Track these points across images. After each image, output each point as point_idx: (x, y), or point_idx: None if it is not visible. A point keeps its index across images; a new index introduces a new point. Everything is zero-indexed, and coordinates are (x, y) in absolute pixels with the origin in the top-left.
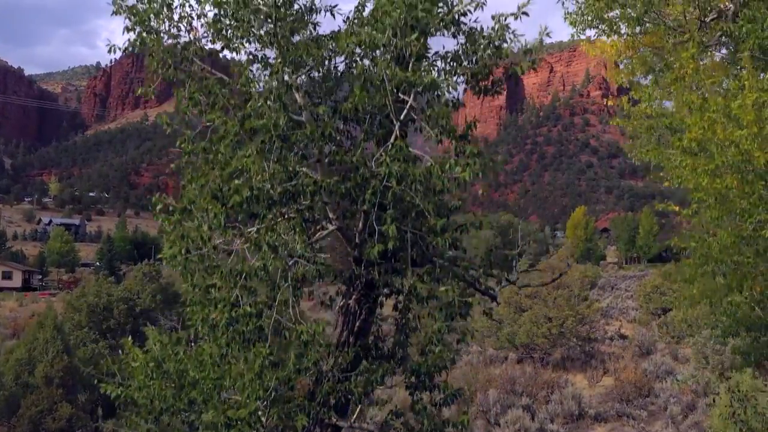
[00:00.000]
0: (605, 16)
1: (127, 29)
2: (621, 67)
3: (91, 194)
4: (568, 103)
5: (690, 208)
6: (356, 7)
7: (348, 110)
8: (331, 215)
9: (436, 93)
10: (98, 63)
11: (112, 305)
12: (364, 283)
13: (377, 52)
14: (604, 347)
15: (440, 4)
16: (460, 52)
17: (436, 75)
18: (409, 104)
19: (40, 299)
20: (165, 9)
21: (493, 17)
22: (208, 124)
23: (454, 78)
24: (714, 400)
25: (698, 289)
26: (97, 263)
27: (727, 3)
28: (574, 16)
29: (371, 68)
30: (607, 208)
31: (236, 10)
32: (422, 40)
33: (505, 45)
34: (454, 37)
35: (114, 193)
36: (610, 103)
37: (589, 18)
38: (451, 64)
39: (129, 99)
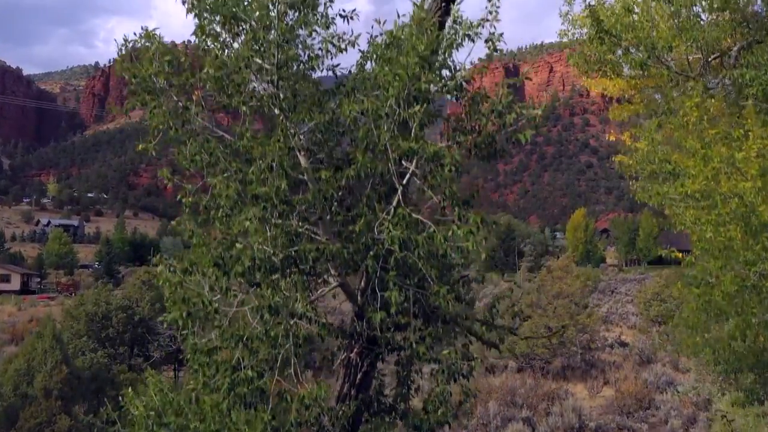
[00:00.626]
0: (609, 57)
1: (131, 92)
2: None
3: (89, 195)
4: (568, 103)
5: (692, 255)
6: (358, 65)
7: (351, 177)
8: (333, 272)
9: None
10: (97, 63)
11: (111, 314)
12: (366, 338)
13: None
14: (604, 355)
15: (444, 70)
16: (463, 115)
17: (440, 144)
18: (411, 170)
19: (39, 303)
20: (166, 66)
21: (496, 84)
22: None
23: (458, 148)
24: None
25: (701, 337)
26: (96, 264)
27: (729, 42)
28: (578, 57)
29: (374, 133)
30: (607, 208)
31: (236, 70)
32: (425, 106)
33: (508, 115)
34: (457, 99)
35: (113, 194)
36: (611, 138)
37: (593, 61)
38: (455, 133)
39: (127, 99)
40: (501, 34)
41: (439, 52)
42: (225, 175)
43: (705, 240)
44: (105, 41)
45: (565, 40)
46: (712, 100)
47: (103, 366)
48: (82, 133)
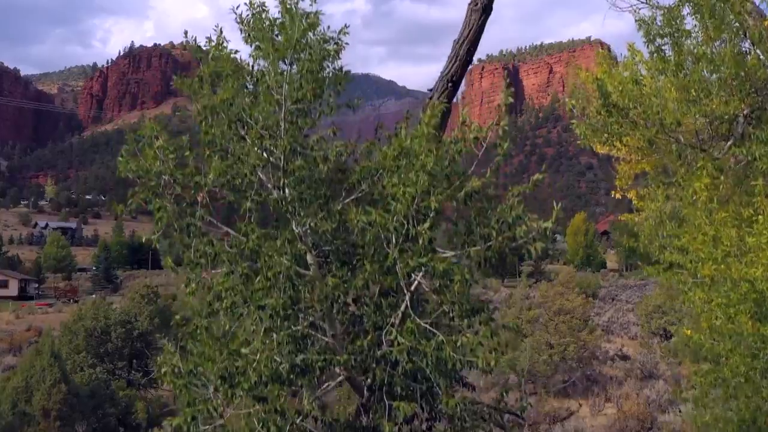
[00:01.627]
0: (615, 128)
1: (132, 194)
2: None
3: (87, 197)
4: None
5: (701, 335)
6: (365, 150)
7: (358, 287)
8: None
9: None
10: (95, 64)
11: (110, 329)
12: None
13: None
14: (606, 369)
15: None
16: (473, 226)
17: (450, 260)
18: (417, 281)
19: (37, 310)
20: (171, 164)
21: (503, 195)
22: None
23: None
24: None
25: (711, 416)
26: (94, 268)
27: (737, 108)
28: (584, 127)
29: (382, 244)
30: (608, 210)
31: (242, 176)
32: (434, 222)
33: (519, 228)
34: (466, 204)
35: (110, 196)
36: (617, 196)
37: (600, 131)
38: (464, 247)
39: (125, 100)
40: (508, 145)
41: (446, 160)
42: (229, 280)
43: (715, 329)
44: (102, 41)
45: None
46: (722, 177)
47: (101, 382)
48: (80, 134)
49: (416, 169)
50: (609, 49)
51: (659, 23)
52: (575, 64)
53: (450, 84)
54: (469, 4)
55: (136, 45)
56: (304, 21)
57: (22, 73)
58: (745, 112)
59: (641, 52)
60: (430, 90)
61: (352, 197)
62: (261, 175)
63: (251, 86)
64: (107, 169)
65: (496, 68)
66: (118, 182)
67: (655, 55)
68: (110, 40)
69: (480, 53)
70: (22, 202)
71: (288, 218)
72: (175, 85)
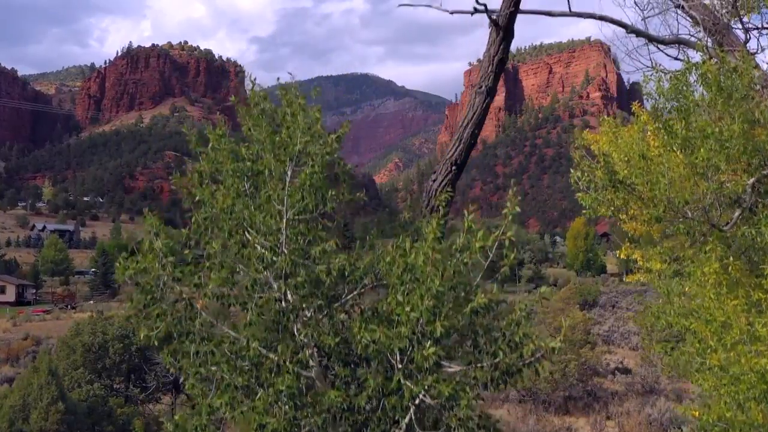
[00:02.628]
0: (621, 203)
1: (129, 298)
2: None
3: (85, 199)
4: (568, 105)
5: (710, 418)
6: (368, 245)
7: (361, 405)
8: None
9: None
10: (92, 64)
11: (108, 344)
12: None
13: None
14: (607, 383)
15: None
16: (480, 342)
17: (456, 386)
18: (424, 398)
19: (35, 317)
20: (171, 268)
21: (508, 318)
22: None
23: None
24: None
25: None
26: (92, 271)
27: (745, 186)
28: (590, 201)
29: (387, 363)
30: None
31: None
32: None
33: (525, 347)
34: (476, 315)
35: (108, 198)
36: (622, 256)
37: (606, 205)
38: (470, 364)
39: (123, 101)
40: (515, 256)
41: (452, 269)
42: (227, 395)
43: (725, 419)
44: (99, 40)
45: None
46: (731, 258)
47: (99, 399)
48: (78, 135)
49: (421, 291)
50: (608, 50)
51: (665, 85)
52: (581, 136)
53: (454, 167)
54: (474, 87)
55: (134, 44)
56: (303, 119)
57: (20, 73)
58: (752, 181)
59: (646, 114)
60: (434, 173)
61: (356, 292)
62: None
63: (252, 189)
64: (105, 171)
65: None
66: (116, 184)
67: (662, 130)
68: (107, 39)
69: (479, 53)
70: (19, 204)
71: (291, 322)
72: (174, 183)
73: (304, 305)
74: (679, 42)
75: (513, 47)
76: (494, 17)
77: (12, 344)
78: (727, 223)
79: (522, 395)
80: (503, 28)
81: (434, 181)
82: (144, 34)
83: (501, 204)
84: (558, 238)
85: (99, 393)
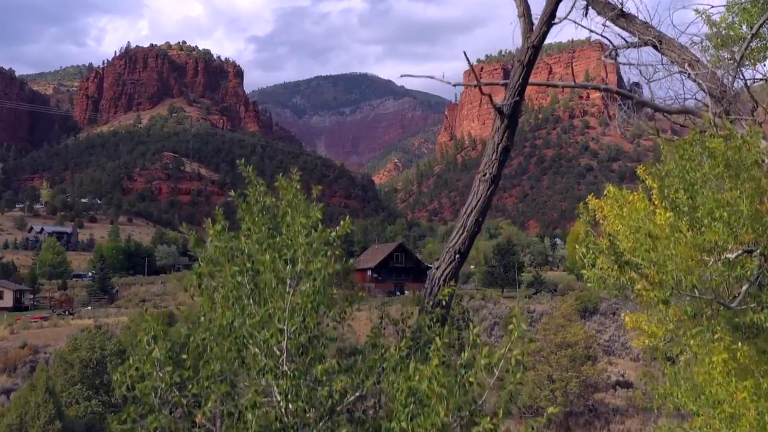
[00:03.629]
0: (629, 282)
1: (126, 411)
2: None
3: (83, 200)
4: (568, 105)
5: None
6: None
7: None
8: None
9: None
10: (90, 64)
11: (106, 360)
12: None
13: None
14: (608, 398)
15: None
16: None
17: None
18: None
19: (32, 324)
20: (170, 378)
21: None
22: None
23: None
24: None
25: None
26: (90, 274)
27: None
28: (596, 279)
29: None
30: None
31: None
32: None
33: None
34: None
35: (106, 200)
36: (628, 324)
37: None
38: None
39: (121, 101)
40: (521, 376)
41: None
42: None
43: None
44: (97, 39)
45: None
46: (740, 344)
47: (97, 415)
48: (76, 136)
49: (426, 425)
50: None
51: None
52: (586, 207)
53: (458, 256)
54: (477, 174)
55: (131, 44)
56: (303, 222)
57: (18, 73)
58: (757, 251)
59: (651, 180)
60: (437, 260)
61: (358, 394)
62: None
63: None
64: (103, 172)
65: (495, 69)
66: (114, 185)
67: (669, 209)
68: (105, 38)
69: (479, 53)
70: (17, 206)
71: None
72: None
73: (304, 423)
74: (685, 111)
75: (512, 47)
76: (499, 106)
77: (9, 353)
78: (735, 297)
79: (522, 412)
80: (508, 116)
81: (437, 269)
82: (141, 33)
83: (500, 205)
84: (558, 240)
85: (97, 410)
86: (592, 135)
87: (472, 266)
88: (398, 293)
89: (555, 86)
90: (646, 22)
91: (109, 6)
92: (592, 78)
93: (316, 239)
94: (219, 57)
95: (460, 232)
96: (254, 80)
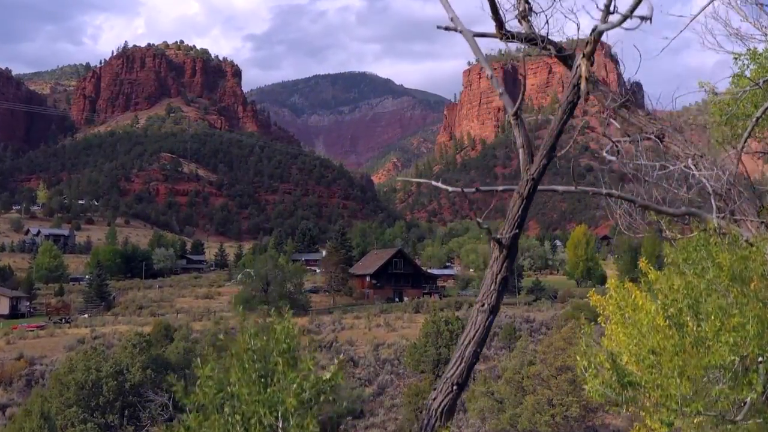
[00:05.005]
0: (632, 399)
1: None
2: None
3: (80, 202)
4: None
5: None
6: None
7: None
8: None
9: None
10: (88, 64)
11: (101, 381)
12: None
13: None
14: (608, 417)
15: None
16: None
17: None
18: None
19: (28, 333)
20: None
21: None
22: None
23: None
24: None
25: None
26: (87, 277)
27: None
28: (597, 391)
29: None
30: (608, 214)
31: None
32: None
33: None
34: None
35: (104, 202)
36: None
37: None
38: None
39: (119, 101)
40: None
41: None
42: None
43: None
44: (93, 38)
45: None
46: None
47: None
48: (73, 136)
49: None
50: (609, 49)
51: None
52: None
53: (455, 387)
54: (476, 304)
55: (127, 42)
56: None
57: (14, 72)
58: (761, 359)
59: (654, 274)
60: (434, 390)
61: None
62: None
63: None
64: (100, 173)
65: (495, 69)
66: (112, 186)
67: (673, 329)
68: (101, 37)
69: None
70: (14, 208)
71: None
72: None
73: None
74: (690, 214)
75: (512, 47)
76: (497, 238)
77: (5, 365)
78: (741, 407)
79: None
80: (506, 247)
81: (434, 399)
82: (138, 32)
83: (500, 206)
84: (558, 243)
85: None
86: (593, 135)
87: (471, 270)
88: (397, 300)
89: (555, 191)
90: (649, 114)
91: (105, 4)
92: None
93: (308, 390)
94: (217, 56)
95: (458, 363)
96: (252, 79)
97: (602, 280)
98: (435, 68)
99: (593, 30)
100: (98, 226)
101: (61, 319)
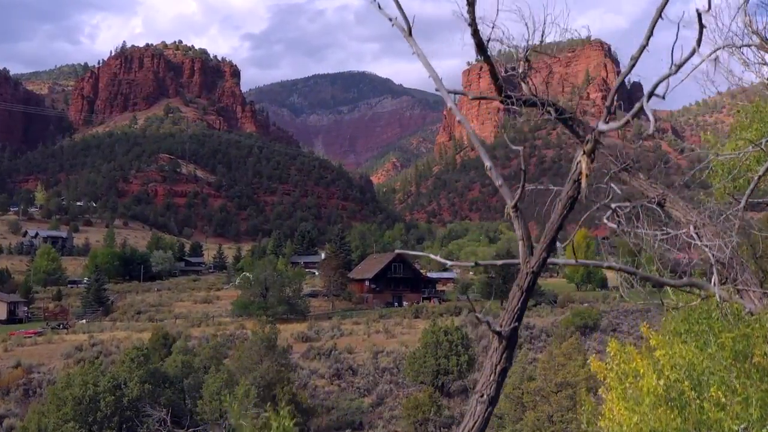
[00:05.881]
0: None
1: None
2: None
3: (78, 203)
4: (568, 105)
5: None
6: None
7: None
8: None
9: None
10: (86, 63)
11: (99, 396)
12: None
13: None
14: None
15: None
16: None
17: None
18: None
19: (26, 340)
20: None
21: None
22: None
23: None
24: None
25: None
26: (86, 280)
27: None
28: None
29: None
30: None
31: None
32: None
33: None
34: None
35: (102, 203)
36: None
37: None
38: None
39: (117, 101)
40: None
41: None
42: None
43: None
44: (90, 37)
45: None
46: None
47: None
48: (71, 136)
49: None
50: (609, 50)
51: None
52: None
53: None
54: (475, 394)
55: (125, 41)
56: None
57: (12, 71)
58: None
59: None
60: None
61: None
62: None
63: None
64: (98, 174)
65: None
66: (110, 187)
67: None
68: (98, 36)
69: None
70: (11, 209)
71: None
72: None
73: None
74: (691, 285)
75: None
76: (497, 330)
77: (2, 374)
78: None
79: None
80: (506, 339)
81: None
82: (135, 31)
83: (500, 206)
84: (558, 244)
85: None
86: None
87: (471, 273)
88: (396, 304)
89: (555, 263)
90: (650, 178)
91: (102, 3)
92: (593, 78)
93: None
94: (216, 56)
95: None
96: (250, 78)
97: (602, 283)
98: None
99: (594, 129)
100: (96, 227)
101: (59, 325)
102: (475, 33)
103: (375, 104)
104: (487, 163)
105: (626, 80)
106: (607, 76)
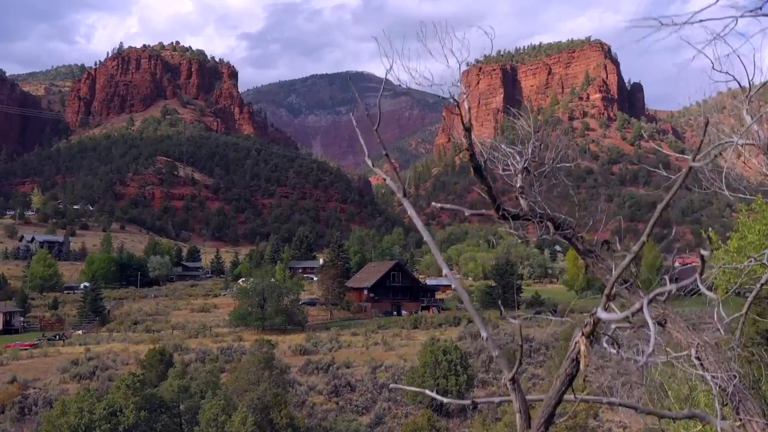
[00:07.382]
0: None
1: None
2: None
3: (75, 207)
4: (567, 107)
5: None
6: None
7: None
8: None
9: None
10: (83, 65)
11: (94, 424)
12: None
13: None
14: None
15: None
16: None
17: None
18: None
19: (21, 352)
20: None
21: None
22: None
23: None
24: None
25: None
26: (82, 286)
27: None
28: None
29: None
30: (608, 217)
31: None
32: None
33: None
34: None
35: (98, 206)
36: None
37: None
38: None
39: (114, 103)
40: None
41: None
42: None
43: None
44: (86, 36)
45: None
46: None
47: None
48: (68, 138)
49: None
50: (609, 50)
51: None
52: None
53: None
54: None
55: (121, 41)
56: None
57: (9, 72)
58: None
59: None
60: None
61: None
62: None
63: None
64: (95, 176)
65: (494, 69)
66: (107, 190)
67: None
68: (94, 36)
69: (477, 54)
70: (8, 213)
71: None
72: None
73: None
74: (693, 416)
75: (511, 47)
76: None
77: None
78: None
79: None
80: None
81: None
82: (131, 31)
83: None
84: (558, 248)
85: None
86: (593, 137)
87: (470, 278)
88: (395, 313)
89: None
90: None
91: (97, 2)
92: (593, 79)
93: None
94: (213, 58)
95: None
96: (247, 78)
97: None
98: (432, 67)
99: (592, 314)
100: (93, 231)
101: (55, 336)
102: (472, 157)
103: (373, 105)
104: (484, 334)
105: (626, 81)
106: (607, 77)
